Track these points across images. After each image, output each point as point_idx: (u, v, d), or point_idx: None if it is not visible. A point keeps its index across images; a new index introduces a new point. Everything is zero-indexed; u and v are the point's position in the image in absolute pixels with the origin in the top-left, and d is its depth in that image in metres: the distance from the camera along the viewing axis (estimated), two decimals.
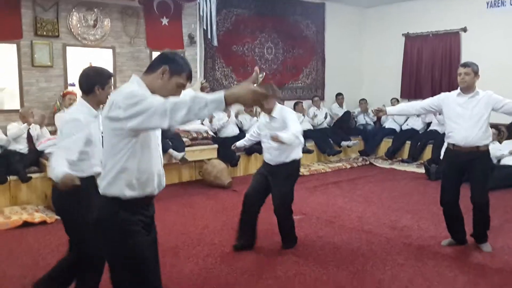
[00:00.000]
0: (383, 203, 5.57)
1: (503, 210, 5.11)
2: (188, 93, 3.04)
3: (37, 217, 4.84)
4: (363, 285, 3.32)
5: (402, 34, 8.97)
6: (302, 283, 3.36)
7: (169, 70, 2.02)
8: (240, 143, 4.39)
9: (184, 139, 6.42)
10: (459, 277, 3.43)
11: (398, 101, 8.75)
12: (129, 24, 6.65)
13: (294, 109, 8.35)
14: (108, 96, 2.60)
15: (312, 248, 4.04)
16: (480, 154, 3.80)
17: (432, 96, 8.56)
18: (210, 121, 7.07)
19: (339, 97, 9.10)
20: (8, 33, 5.71)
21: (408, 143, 8.24)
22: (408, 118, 8.39)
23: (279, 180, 3.90)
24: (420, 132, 8.27)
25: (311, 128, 8.35)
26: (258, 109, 7.72)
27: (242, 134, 7.44)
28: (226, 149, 6.75)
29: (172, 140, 6.21)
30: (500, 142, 6.70)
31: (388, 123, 8.74)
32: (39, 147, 5.55)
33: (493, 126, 4.95)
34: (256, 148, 7.24)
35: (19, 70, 5.84)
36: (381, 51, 9.41)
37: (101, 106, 2.73)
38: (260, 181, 4.01)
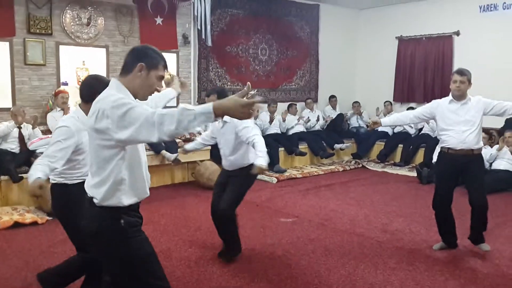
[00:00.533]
0: (375, 206, 5.59)
1: (493, 214, 5.12)
2: (167, 94, 3.09)
3: (28, 217, 4.80)
4: None
5: (396, 37, 9.01)
6: (294, 286, 3.36)
7: (145, 66, 1.99)
8: (190, 147, 4.25)
9: (177, 140, 6.40)
10: (450, 281, 3.46)
11: (391, 104, 8.81)
12: (123, 23, 6.62)
13: (288, 110, 8.39)
14: None
15: (304, 251, 4.05)
16: (474, 157, 3.88)
17: (424, 99, 8.71)
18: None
19: (332, 99, 9.13)
20: (1, 31, 5.66)
21: (400, 146, 8.29)
22: None
23: (234, 184, 3.77)
24: (412, 136, 8.31)
25: (304, 130, 8.37)
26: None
27: None
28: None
29: (165, 141, 6.18)
30: (491, 147, 6.76)
31: (381, 127, 8.76)
32: (30, 146, 5.51)
33: (484, 130, 5.00)
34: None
35: (11, 68, 5.79)
36: (375, 53, 9.45)
37: None
38: (220, 194, 3.86)
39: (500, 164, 6.46)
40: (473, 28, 7.93)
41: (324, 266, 3.72)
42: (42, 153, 5.39)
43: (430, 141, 7.67)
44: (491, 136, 7.06)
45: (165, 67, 2.07)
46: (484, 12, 7.81)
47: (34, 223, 4.73)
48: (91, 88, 2.64)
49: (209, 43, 7.34)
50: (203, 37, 7.29)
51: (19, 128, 5.49)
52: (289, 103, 8.48)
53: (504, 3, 7.53)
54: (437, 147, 7.12)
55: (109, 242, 2.00)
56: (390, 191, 6.42)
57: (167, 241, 4.29)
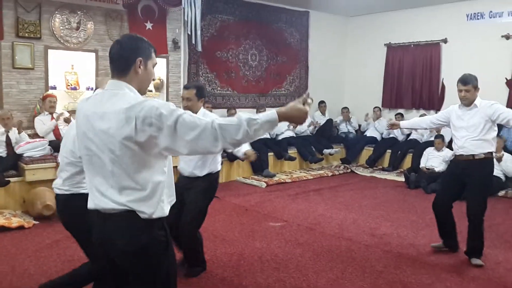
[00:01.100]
0: (363, 210, 5.63)
1: None
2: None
3: (15, 222, 4.75)
4: None
5: (384, 44, 9.11)
6: None
7: (143, 60, 1.89)
8: None
9: None
10: (436, 284, 3.49)
11: (380, 109, 8.88)
12: (112, 27, 6.61)
13: None
14: None
15: (292, 255, 4.06)
16: (476, 163, 3.83)
17: (412, 105, 8.79)
18: None
19: (321, 105, 9.18)
20: None
21: (388, 151, 8.36)
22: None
23: (194, 195, 3.45)
24: (401, 141, 8.38)
25: (294, 135, 8.40)
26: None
27: None
28: None
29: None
30: None
31: (370, 132, 8.85)
32: (18, 150, 5.46)
33: None
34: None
35: None
36: (364, 60, 9.53)
37: None
38: (179, 206, 3.41)
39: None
40: (461, 36, 8.04)
41: (312, 270, 3.73)
42: (29, 157, 5.42)
43: (418, 147, 7.75)
44: None
45: (155, 52, 1.97)
46: (471, 21, 7.93)
47: (21, 227, 4.68)
48: None
49: (199, 48, 7.34)
50: (193, 42, 7.29)
51: (7, 132, 5.44)
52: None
53: (491, 11, 7.66)
54: (424, 152, 7.26)
55: (153, 257, 1.85)
56: (378, 195, 6.46)
57: None
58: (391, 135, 8.51)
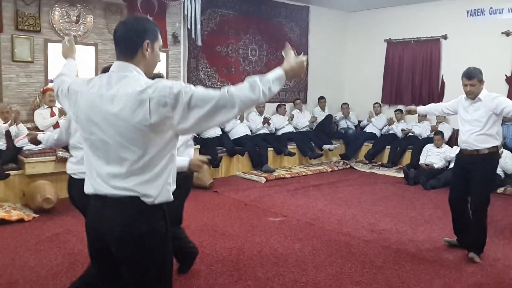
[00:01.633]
0: (363, 206, 5.64)
1: None
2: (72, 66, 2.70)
3: (15, 215, 4.75)
4: (341, 286, 3.36)
5: (384, 40, 9.09)
6: (281, 284, 3.38)
7: (150, 43, 1.85)
8: None
9: None
10: (435, 280, 3.50)
11: (380, 105, 8.89)
12: (112, 21, 6.58)
13: (277, 111, 8.43)
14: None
15: (292, 250, 4.07)
16: (480, 158, 3.82)
17: (412, 101, 8.78)
18: None
19: (321, 101, 9.18)
20: None
21: (388, 147, 8.37)
22: (388, 124, 8.52)
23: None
24: (400, 138, 8.39)
25: (293, 131, 8.41)
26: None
27: (224, 134, 7.46)
28: (208, 149, 6.75)
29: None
30: None
31: (369, 128, 8.85)
32: (17, 143, 5.46)
33: None
34: (238, 149, 7.29)
35: None
36: (364, 56, 9.52)
37: None
38: None
39: None
40: (461, 32, 8.03)
41: (312, 265, 3.75)
42: (29, 150, 5.41)
43: (418, 143, 7.76)
44: None
45: (161, 33, 1.94)
46: (471, 17, 7.92)
47: (21, 220, 4.69)
48: None
49: (199, 42, 7.34)
50: (193, 36, 7.29)
51: (10, 126, 5.43)
52: (278, 103, 8.52)
53: (491, 8, 7.65)
54: (423, 148, 7.27)
55: (151, 247, 1.81)
56: (377, 191, 6.48)
57: None
58: (390, 131, 8.51)
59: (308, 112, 8.94)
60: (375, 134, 8.71)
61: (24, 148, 5.44)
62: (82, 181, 1.98)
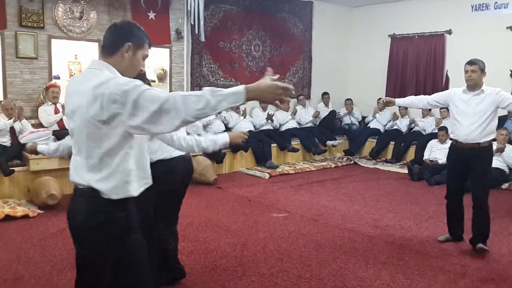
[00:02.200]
0: (367, 202, 5.64)
1: None
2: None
3: (20, 211, 4.78)
4: (345, 282, 3.36)
5: (388, 35, 9.05)
6: (286, 280, 3.39)
7: (132, 46, 1.87)
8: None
9: None
10: (439, 276, 3.50)
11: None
12: (115, 17, 6.58)
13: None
14: None
15: (296, 246, 4.07)
16: (481, 150, 3.84)
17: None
18: None
19: (325, 96, 9.16)
20: None
21: (392, 143, 8.34)
22: (392, 120, 8.49)
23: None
24: (404, 133, 8.37)
25: (297, 126, 8.40)
26: (242, 108, 7.73)
27: (228, 131, 7.45)
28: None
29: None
30: None
31: (373, 124, 8.82)
32: (22, 140, 5.47)
33: None
34: (242, 145, 7.28)
35: (2, 61, 5.74)
36: (367, 51, 9.48)
37: None
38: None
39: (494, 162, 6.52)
40: (465, 27, 7.99)
41: (316, 260, 3.75)
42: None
43: (422, 139, 7.74)
44: None
45: (150, 45, 1.95)
46: (476, 12, 7.88)
47: (26, 216, 4.72)
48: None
49: (202, 38, 7.33)
50: (196, 32, 7.28)
51: (15, 122, 5.45)
52: None
53: (496, 2, 7.60)
54: (428, 144, 7.25)
55: (108, 238, 1.83)
56: (381, 187, 6.47)
57: None
58: (394, 127, 8.49)
59: (312, 108, 8.92)
60: (379, 130, 8.69)
61: (29, 145, 5.44)
62: None
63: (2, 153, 5.28)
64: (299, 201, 5.62)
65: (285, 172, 7.24)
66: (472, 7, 7.87)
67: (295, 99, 8.80)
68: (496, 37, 7.55)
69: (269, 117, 7.90)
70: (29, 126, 5.64)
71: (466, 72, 3.84)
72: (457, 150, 3.96)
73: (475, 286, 3.34)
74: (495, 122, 3.90)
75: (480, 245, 3.89)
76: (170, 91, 6.77)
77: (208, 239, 4.18)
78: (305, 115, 8.64)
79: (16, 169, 5.30)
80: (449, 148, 4.13)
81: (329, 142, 8.43)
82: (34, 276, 3.37)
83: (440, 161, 6.85)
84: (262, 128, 7.90)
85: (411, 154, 7.94)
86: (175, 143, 2.84)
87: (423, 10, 8.53)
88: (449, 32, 8.24)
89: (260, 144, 7.52)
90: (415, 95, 8.47)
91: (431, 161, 6.97)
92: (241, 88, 1.63)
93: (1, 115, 5.51)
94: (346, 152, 8.63)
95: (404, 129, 8.38)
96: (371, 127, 8.85)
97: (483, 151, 3.85)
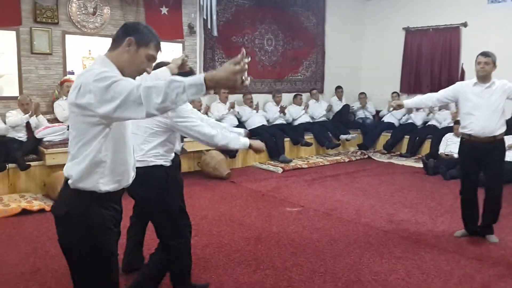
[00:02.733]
0: (381, 196, 5.59)
1: None
2: (162, 73, 2.55)
3: (36, 205, 4.84)
4: (360, 276, 3.34)
5: (403, 28, 8.95)
6: (300, 274, 3.38)
7: (135, 41, 1.86)
8: None
9: None
10: (455, 271, 3.46)
11: (398, 95, 8.75)
12: (128, 12, 6.61)
13: (293, 101, 8.39)
14: None
15: (310, 240, 4.06)
16: (496, 143, 3.83)
17: (431, 91, 8.60)
18: (206, 113, 7.05)
19: (338, 90, 9.10)
20: (8, 20, 5.67)
21: (406, 137, 8.26)
22: (407, 113, 8.40)
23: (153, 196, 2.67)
24: (419, 127, 8.28)
25: (310, 121, 8.36)
26: (255, 102, 7.72)
27: (240, 125, 7.45)
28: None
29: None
30: None
31: (387, 117, 8.74)
32: (37, 135, 5.54)
33: None
34: (255, 139, 7.26)
35: (18, 57, 5.80)
36: (381, 44, 9.39)
37: None
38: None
39: (507, 156, 6.41)
40: (481, 20, 7.86)
41: (330, 255, 3.73)
42: (49, 141, 5.49)
43: (437, 132, 7.65)
44: None
45: (158, 47, 1.93)
46: (492, 4, 7.74)
47: (42, 210, 4.77)
48: None
49: (215, 33, 7.32)
50: (209, 27, 7.27)
51: (31, 116, 5.51)
52: (294, 93, 8.48)
53: None
54: (443, 138, 7.16)
55: (74, 230, 1.84)
56: (396, 181, 6.41)
57: None
58: (409, 121, 8.40)
59: (325, 102, 8.87)
60: (393, 123, 8.61)
61: (44, 139, 5.52)
62: None
63: (18, 148, 5.35)
64: (313, 195, 5.60)
65: (298, 166, 7.22)
66: None
67: (308, 94, 8.75)
68: None
69: (282, 110, 7.87)
70: (45, 121, 5.70)
71: (479, 63, 3.82)
72: (471, 144, 3.91)
73: (491, 281, 3.30)
74: (506, 113, 3.91)
75: (491, 238, 3.96)
76: None
77: (222, 233, 4.19)
78: (319, 109, 8.59)
79: (32, 163, 5.36)
80: (460, 143, 4.08)
81: (343, 136, 8.38)
82: (50, 269, 3.41)
83: (455, 155, 6.74)
84: (275, 122, 7.88)
85: (426, 148, 7.86)
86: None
87: (438, 2, 8.41)
88: (465, 24, 8.12)
89: (273, 138, 7.50)
90: (431, 89, 8.47)
91: (447, 155, 6.89)
92: (199, 77, 1.61)
93: (17, 111, 5.58)
94: (360, 146, 8.58)
95: (419, 122, 8.29)
96: (385, 121, 8.78)
97: (498, 143, 3.85)
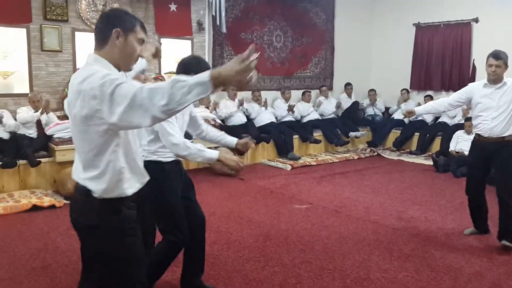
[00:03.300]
0: (390, 194, 5.56)
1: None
2: (138, 62, 2.25)
3: (46, 201, 4.88)
4: (369, 274, 3.33)
5: (413, 24, 8.86)
6: (308, 271, 3.37)
7: (122, 32, 1.76)
8: None
9: None
10: (465, 269, 3.43)
11: (408, 92, 8.68)
12: (137, 9, 6.62)
13: (302, 98, 8.36)
14: None
15: (318, 237, 4.05)
16: (505, 144, 3.76)
17: (441, 87, 8.55)
18: (214, 110, 7.05)
19: (348, 87, 9.05)
20: (18, 17, 5.71)
21: (416, 134, 8.20)
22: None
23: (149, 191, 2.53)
24: (429, 124, 8.21)
25: (319, 118, 8.33)
26: (263, 99, 7.70)
27: (249, 122, 7.45)
28: (233, 137, 6.75)
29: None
30: None
31: (397, 115, 8.68)
32: (48, 131, 5.58)
33: None
34: (263, 137, 7.27)
35: (28, 54, 5.85)
36: (391, 41, 9.31)
37: None
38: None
39: None
40: (492, 16, 7.75)
41: (339, 252, 3.72)
42: (59, 138, 5.53)
43: (447, 130, 7.58)
44: None
45: (143, 28, 1.84)
46: None
47: (52, 206, 4.82)
48: (188, 67, 2.57)
49: (224, 30, 7.30)
50: (218, 24, 7.26)
51: (42, 114, 5.55)
52: (303, 90, 8.45)
53: None
54: (454, 135, 7.09)
55: (105, 238, 1.79)
56: (405, 179, 6.37)
57: None
58: (419, 118, 8.32)
59: (334, 99, 8.82)
60: (403, 121, 8.54)
61: (55, 136, 5.56)
62: None
63: (28, 144, 5.40)
64: (322, 192, 5.59)
65: (307, 163, 7.20)
66: None
67: (318, 90, 8.72)
68: None
69: (290, 108, 7.85)
70: (55, 118, 5.74)
71: (490, 66, 3.73)
72: (481, 145, 3.87)
73: (501, 279, 3.27)
74: None
75: (503, 242, 3.78)
76: None
77: (230, 230, 4.20)
78: (328, 106, 8.55)
79: (42, 160, 5.41)
80: (472, 143, 4.05)
81: (352, 134, 8.34)
82: (61, 264, 3.44)
83: (466, 153, 6.70)
84: (284, 120, 7.86)
85: (436, 145, 7.79)
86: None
87: None
88: (476, 20, 8.02)
89: (282, 135, 7.49)
90: (441, 85, 8.39)
91: (457, 152, 6.83)
92: (205, 76, 1.51)
93: (28, 107, 5.63)
94: (369, 144, 8.53)
95: (429, 119, 8.21)
96: (395, 118, 8.72)
97: (508, 144, 3.77)
